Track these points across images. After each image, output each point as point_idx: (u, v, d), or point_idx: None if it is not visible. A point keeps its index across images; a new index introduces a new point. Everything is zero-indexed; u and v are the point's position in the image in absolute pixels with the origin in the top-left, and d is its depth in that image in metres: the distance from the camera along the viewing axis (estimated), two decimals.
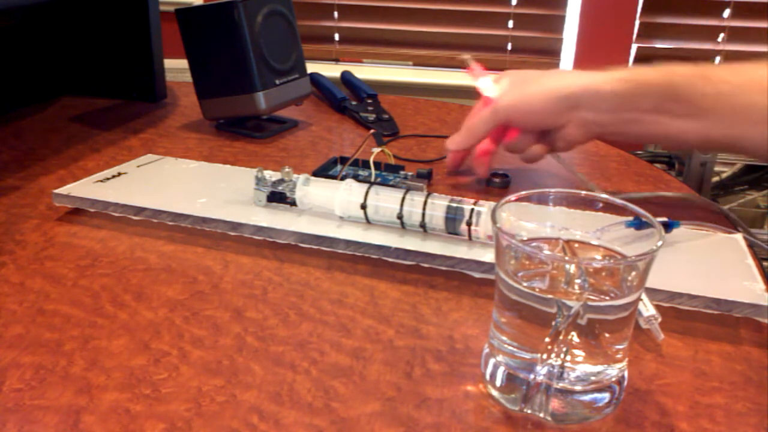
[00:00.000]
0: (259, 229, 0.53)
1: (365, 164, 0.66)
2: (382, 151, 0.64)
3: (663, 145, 0.65)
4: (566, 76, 0.59)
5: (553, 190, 0.39)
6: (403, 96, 0.99)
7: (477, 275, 0.49)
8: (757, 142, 0.53)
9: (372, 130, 0.65)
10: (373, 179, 0.64)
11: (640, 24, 1.73)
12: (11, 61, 0.88)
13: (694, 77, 0.54)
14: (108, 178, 0.61)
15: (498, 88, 0.63)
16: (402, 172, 0.66)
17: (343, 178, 0.56)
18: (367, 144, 0.67)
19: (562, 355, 0.34)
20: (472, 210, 0.51)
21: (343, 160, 0.69)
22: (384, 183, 0.63)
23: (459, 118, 0.89)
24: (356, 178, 0.64)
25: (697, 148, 0.64)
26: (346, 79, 1.00)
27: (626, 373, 0.37)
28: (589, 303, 0.34)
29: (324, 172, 0.66)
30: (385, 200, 0.53)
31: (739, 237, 0.53)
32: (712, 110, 0.53)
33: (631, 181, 0.68)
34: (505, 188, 0.67)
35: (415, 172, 0.66)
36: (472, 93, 0.66)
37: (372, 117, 0.85)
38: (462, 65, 0.64)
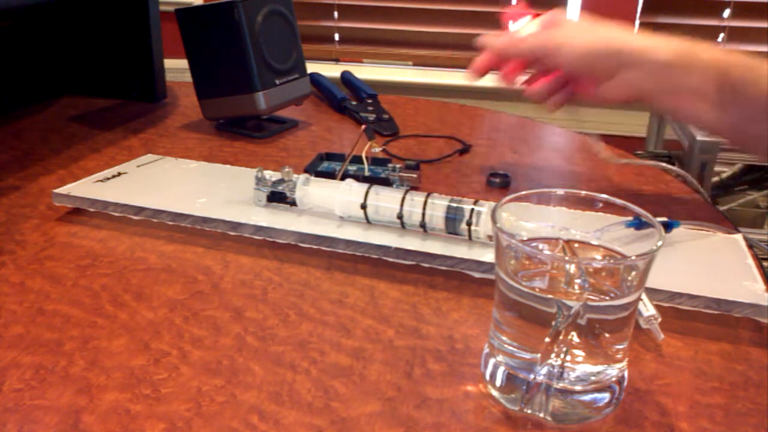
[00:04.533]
0: (259, 229, 0.53)
1: (356, 159, 0.66)
2: (370, 145, 0.65)
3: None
4: (624, 32, 0.57)
5: (553, 190, 0.39)
6: (403, 96, 0.99)
7: (477, 275, 0.49)
8: None
9: (363, 126, 0.65)
10: (366, 173, 0.64)
11: (640, 24, 1.73)
12: (11, 61, 0.88)
13: (745, 67, 0.53)
14: (108, 178, 0.61)
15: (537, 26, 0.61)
16: (390, 165, 0.66)
17: (343, 178, 0.56)
18: (365, 142, 0.67)
19: (562, 355, 0.34)
20: (472, 210, 0.51)
21: (329, 156, 0.70)
22: (374, 176, 0.63)
23: (459, 118, 0.89)
24: (346, 173, 0.64)
25: (723, 139, 0.62)
26: (346, 79, 1.00)
27: (626, 373, 0.37)
28: (589, 303, 0.34)
29: (313, 168, 0.66)
30: (385, 200, 0.53)
31: (739, 237, 0.53)
32: (752, 100, 0.52)
33: (631, 181, 0.68)
34: (505, 188, 0.67)
35: (404, 165, 0.66)
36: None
37: (372, 117, 0.85)
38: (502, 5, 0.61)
